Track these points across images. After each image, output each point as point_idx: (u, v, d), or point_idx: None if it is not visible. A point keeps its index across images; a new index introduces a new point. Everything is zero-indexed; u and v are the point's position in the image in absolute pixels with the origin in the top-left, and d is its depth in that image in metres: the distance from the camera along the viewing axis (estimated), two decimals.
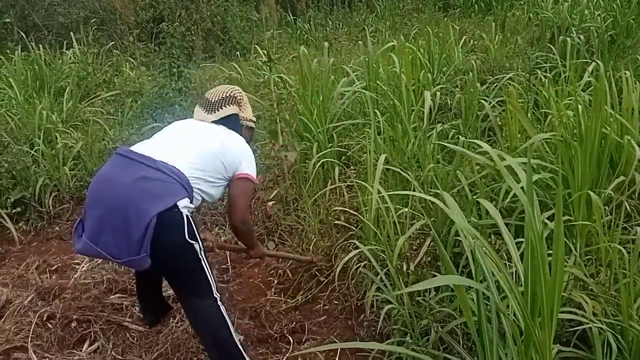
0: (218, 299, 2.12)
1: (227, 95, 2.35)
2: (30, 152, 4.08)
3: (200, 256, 2.05)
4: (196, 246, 2.03)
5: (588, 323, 1.81)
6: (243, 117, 2.38)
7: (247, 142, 2.34)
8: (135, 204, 1.89)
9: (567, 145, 2.48)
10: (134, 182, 1.94)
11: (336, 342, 2.42)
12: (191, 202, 2.04)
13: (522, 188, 2.31)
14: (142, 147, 2.10)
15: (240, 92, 2.41)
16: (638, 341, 1.76)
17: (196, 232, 2.04)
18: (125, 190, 1.92)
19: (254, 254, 2.53)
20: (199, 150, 2.12)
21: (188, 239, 1.98)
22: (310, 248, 2.97)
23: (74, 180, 4.01)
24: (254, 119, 2.46)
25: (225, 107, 2.32)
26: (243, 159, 2.22)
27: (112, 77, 6.07)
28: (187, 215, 1.99)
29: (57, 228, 3.79)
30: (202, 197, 2.14)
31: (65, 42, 7.07)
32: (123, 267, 3.09)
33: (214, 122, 2.30)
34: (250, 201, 2.24)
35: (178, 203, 1.96)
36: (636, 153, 2.56)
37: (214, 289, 2.11)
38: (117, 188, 1.94)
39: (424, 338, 2.11)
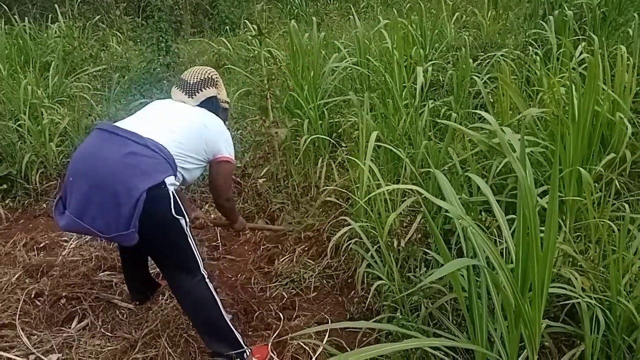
0: (205, 276, 2.12)
1: (205, 77, 2.35)
2: (16, 128, 4.00)
3: (186, 232, 2.04)
4: (182, 221, 2.02)
5: (577, 298, 1.82)
6: (221, 99, 2.42)
7: (223, 122, 2.37)
8: (124, 180, 1.87)
9: (560, 121, 2.47)
10: (122, 157, 1.92)
11: (326, 319, 2.43)
12: (176, 180, 2.06)
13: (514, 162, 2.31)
14: (126, 124, 2.09)
15: (216, 73, 2.44)
16: (625, 316, 1.78)
17: (182, 208, 2.03)
18: (114, 165, 1.90)
19: (238, 226, 2.65)
20: (184, 130, 2.13)
21: (175, 214, 1.98)
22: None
23: (60, 156, 3.96)
24: (228, 99, 2.52)
25: (205, 89, 2.33)
26: (223, 141, 2.25)
27: (98, 52, 5.97)
28: (172, 192, 1.99)
29: (44, 205, 3.74)
30: (183, 176, 2.13)
31: (50, 15, 6.89)
32: (112, 244, 3.07)
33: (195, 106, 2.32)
34: (231, 179, 2.39)
35: (165, 180, 1.96)
36: (627, 130, 2.55)
37: (200, 266, 2.11)
38: (105, 163, 1.92)
39: (414, 314, 2.12)
